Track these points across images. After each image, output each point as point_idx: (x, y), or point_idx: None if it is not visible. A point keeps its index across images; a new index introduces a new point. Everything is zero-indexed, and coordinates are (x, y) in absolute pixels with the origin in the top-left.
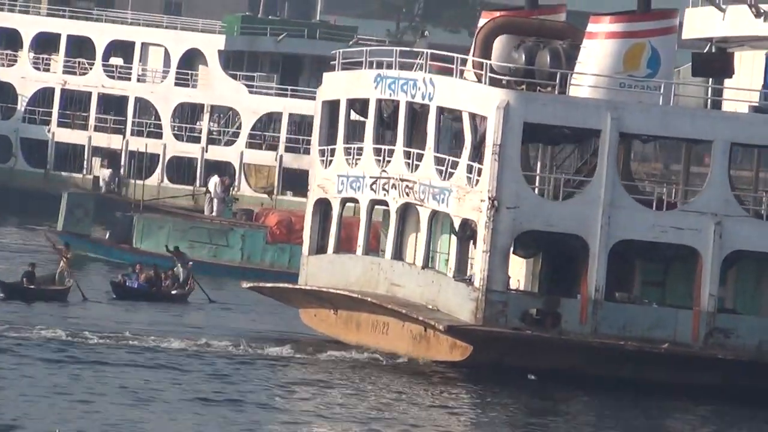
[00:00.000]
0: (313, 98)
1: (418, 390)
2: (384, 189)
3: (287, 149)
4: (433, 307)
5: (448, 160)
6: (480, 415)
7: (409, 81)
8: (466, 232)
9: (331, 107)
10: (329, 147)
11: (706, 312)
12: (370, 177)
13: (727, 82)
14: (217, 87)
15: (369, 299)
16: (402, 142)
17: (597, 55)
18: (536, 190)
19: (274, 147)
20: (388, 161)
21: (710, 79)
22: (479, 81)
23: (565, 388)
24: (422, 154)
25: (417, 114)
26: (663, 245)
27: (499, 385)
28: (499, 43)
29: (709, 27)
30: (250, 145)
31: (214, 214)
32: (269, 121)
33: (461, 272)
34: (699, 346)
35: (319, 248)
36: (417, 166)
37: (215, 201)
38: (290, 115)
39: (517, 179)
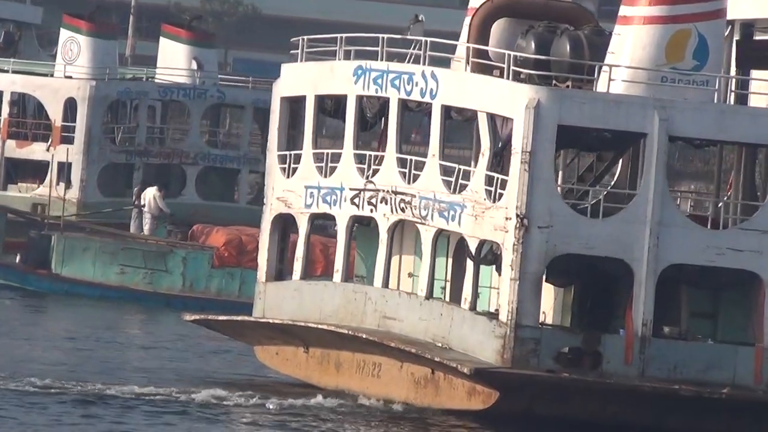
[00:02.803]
0: None
1: None
2: (370, 203)
3: None
4: (443, 346)
5: (459, 169)
6: None
7: (402, 75)
8: (486, 257)
9: (293, 105)
10: (292, 152)
11: None
12: (351, 189)
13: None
14: None
15: (363, 336)
16: (395, 147)
17: (633, 43)
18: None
19: None
20: (376, 170)
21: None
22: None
23: None
24: (422, 162)
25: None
26: (716, 270)
27: None
28: (498, 29)
29: (732, 8)
30: None
31: (146, 232)
32: None
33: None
34: (762, 389)
35: (278, 274)
36: (416, 177)
37: (148, 216)
38: None
39: (550, 193)
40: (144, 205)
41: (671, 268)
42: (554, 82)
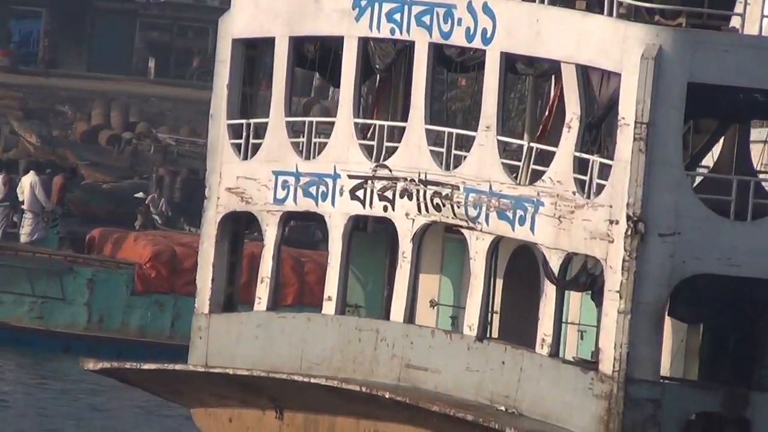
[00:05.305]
0: None
1: None
2: (384, 197)
3: None
4: (508, 410)
5: (529, 148)
6: None
7: (435, 8)
8: (578, 279)
9: (252, 51)
10: (252, 121)
11: None
12: (351, 176)
13: None
14: None
15: (384, 395)
16: (423, 115)
17: None
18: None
19: None
20: (392, 149)
21: None
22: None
23: None
24: (470, 138)
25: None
26: None
27: None
28: None
29: None
30: None
31: (24, 239)
32: None
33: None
34: None
35: (227, 302)
36: (459, 159)
37: (29, 216)
38: None
39: (677, 184)
40: (22, 201)
41: None
42: (658, 18)
